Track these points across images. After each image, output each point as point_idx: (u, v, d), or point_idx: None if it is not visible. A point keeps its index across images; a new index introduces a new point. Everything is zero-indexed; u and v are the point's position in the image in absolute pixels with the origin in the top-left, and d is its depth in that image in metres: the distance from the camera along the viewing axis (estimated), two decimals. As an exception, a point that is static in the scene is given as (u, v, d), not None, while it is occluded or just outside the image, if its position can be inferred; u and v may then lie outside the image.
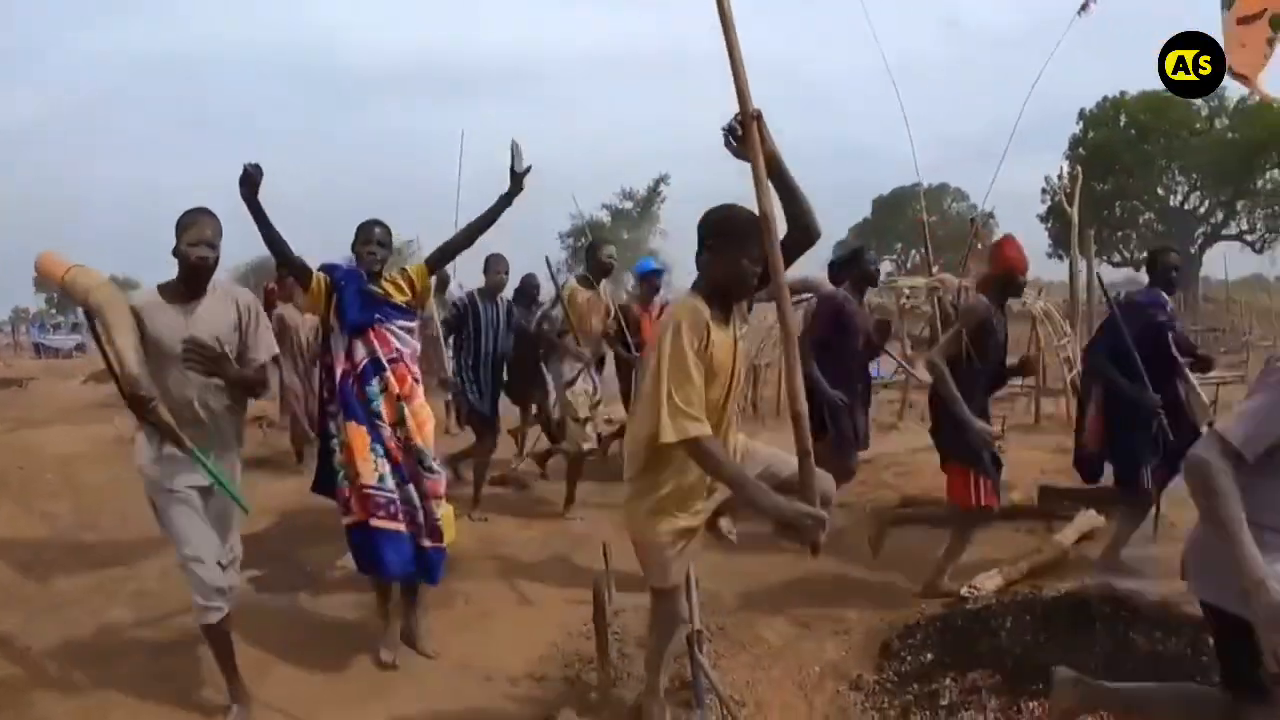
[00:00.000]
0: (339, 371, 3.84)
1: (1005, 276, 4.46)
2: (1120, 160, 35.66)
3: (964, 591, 4.32)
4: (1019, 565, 4.63)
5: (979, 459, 4.31)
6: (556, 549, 5.39)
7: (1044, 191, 33.18)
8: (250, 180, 3.59)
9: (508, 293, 6.60)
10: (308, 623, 4.30)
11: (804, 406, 2.50)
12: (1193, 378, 5.20)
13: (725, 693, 3.15)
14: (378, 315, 3.85)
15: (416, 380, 3.94)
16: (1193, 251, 34.27)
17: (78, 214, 77.57)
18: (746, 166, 2.51)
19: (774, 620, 4.18)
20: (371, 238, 3.88)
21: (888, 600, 4.40)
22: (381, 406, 3.80)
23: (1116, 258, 37.27)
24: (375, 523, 3.72)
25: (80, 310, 3.37)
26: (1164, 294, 4.80)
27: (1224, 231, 37.17)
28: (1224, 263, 32.63)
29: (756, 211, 2.50)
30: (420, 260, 4.21)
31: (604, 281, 6.43)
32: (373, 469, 3.73)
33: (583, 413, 6.05)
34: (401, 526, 3.77)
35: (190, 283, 3.26)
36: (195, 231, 3.19)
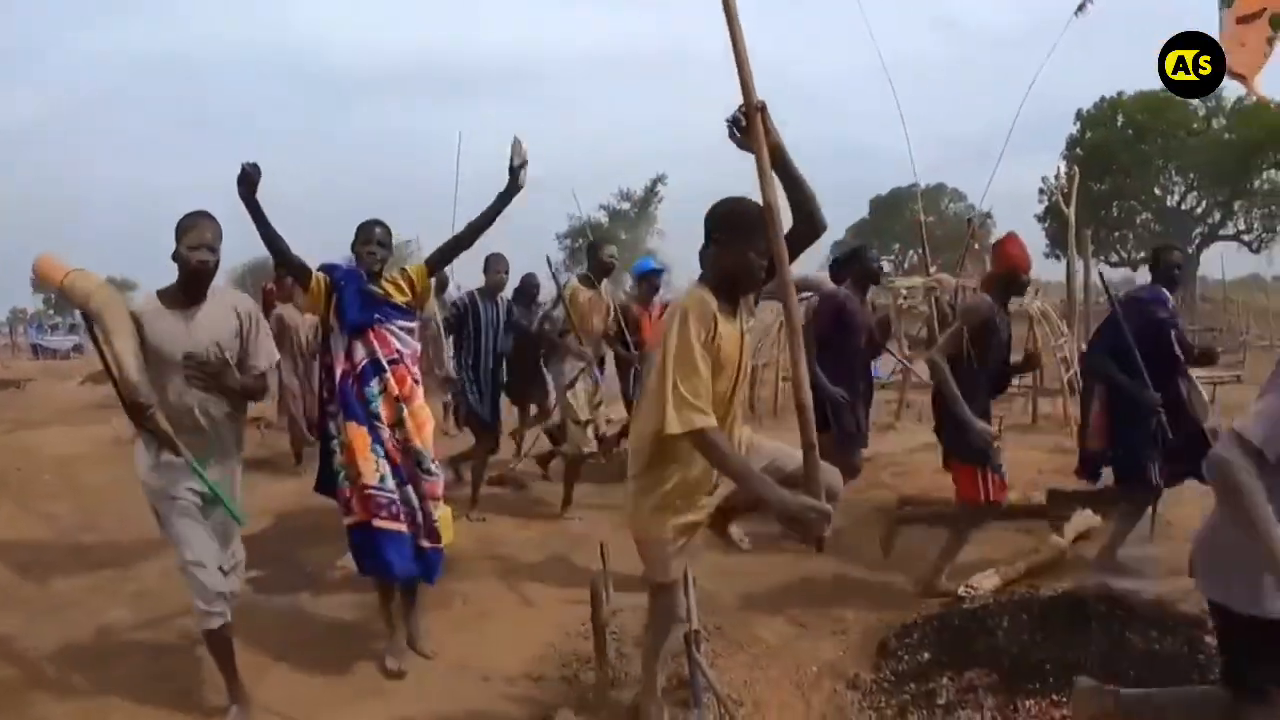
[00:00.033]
0: (338, 372, 3.82)
1: (1008, 274, 4.45)
2: (1117, 160, 35.72)
3: (961, 591, 4.33)
4: (1016, 565, 4.64)
5: (984, 455, 4.30)
6: (554, 549, 5.40)
7: (1041, 192, 33.12)
8: (248, 179, 3.58)
9: (507, 292, 6.62)
10: (307, 623, 4.30)
11: (809, 399, 2.50)
12: (1193, 375, 5.17)
13: (723, 692, 3.15)
14: (378, 316, 3.84)
15: (416, 381, 3.93)
16: (1190, 251, 34.29)
17: (77, 214, 77.67)
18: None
19: (771, 620, 4.19)
20: (372, 238, 3.87)
21: (885, 600, 4.40)
22: (380, 408, 3.79)
23: (1114, 258, 37.33)
24: (378, 523, 3.71)
25: (78, 311, 3.36)
26: (1166, 291, 4.79)
27: (1221, 231, 37.24)
28: (1221, 263, 32.73)
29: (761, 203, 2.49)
30: (419, 260, 4.21)
31: (604, 281, 6.44)
32: (374, 469, 3.72)
33: (583, 415, 6.05)
34: (403, 527, 3.76)
35: (190, 288, 3.24)
36: (195, 235, 3.17)
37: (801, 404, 2.50)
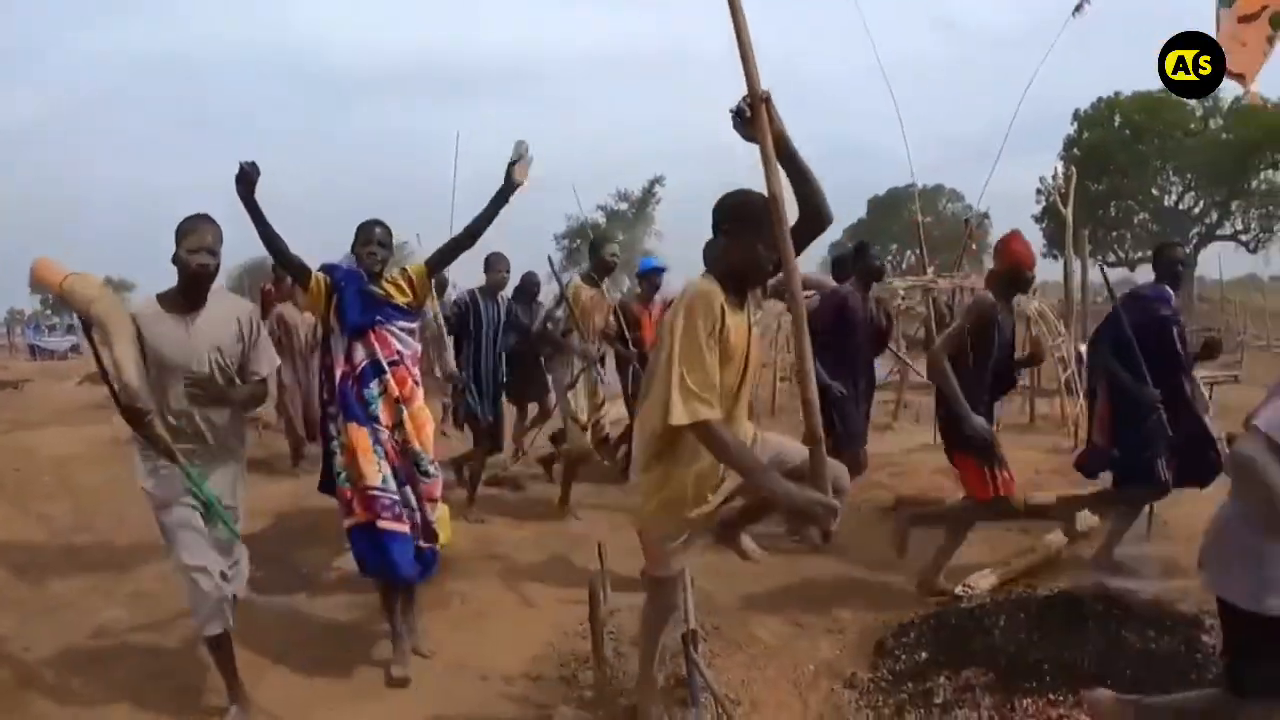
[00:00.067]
0: (338, 373, 3.80)
1: (1012, 271, 4.44)
2: (1115, 160, 35.74)
3: (958, 590, 4.34)
4: (1013, 565, 4.65)
5: (990, 450, 4.29)
6: (552, 549, 5.40)
7: (1039, 192, 33.21)
8: (246, 179, 3.57)
9: (507, 291, 6.62)
10: (304, 624, 4.30)
11: (814, 393, 2.49)
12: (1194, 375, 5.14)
13: (720, 691, 3.15)
14: (379, 317, 3.81)
15: (416, 383, 3.91)
16: (1187, 251, 34.34)
17: (76, 215, 77.71)
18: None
19: (769, 619, 4.19)
20: (372, 238, 3.84)
21: (882, 600, 4.41)
22: (380, 409, 3.77)
23: (1111, 258, 37.34)
24: (382, 524, 3.68)
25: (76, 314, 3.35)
26: (1169, 288, 4.77)
27: (1218, 232, 37.26)
28: (1218, 263, 32.77)
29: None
30: (418, 260, 4.19)
31: (606, 279, 6.44)
32: (376, 470, 3.69)
33: (583, 415, 6.05)
34: (406, 528, 3.74)
35: (190, 291, 3.22)
36: (195, 238, 3.14)
37: (808, 398, 2.48)
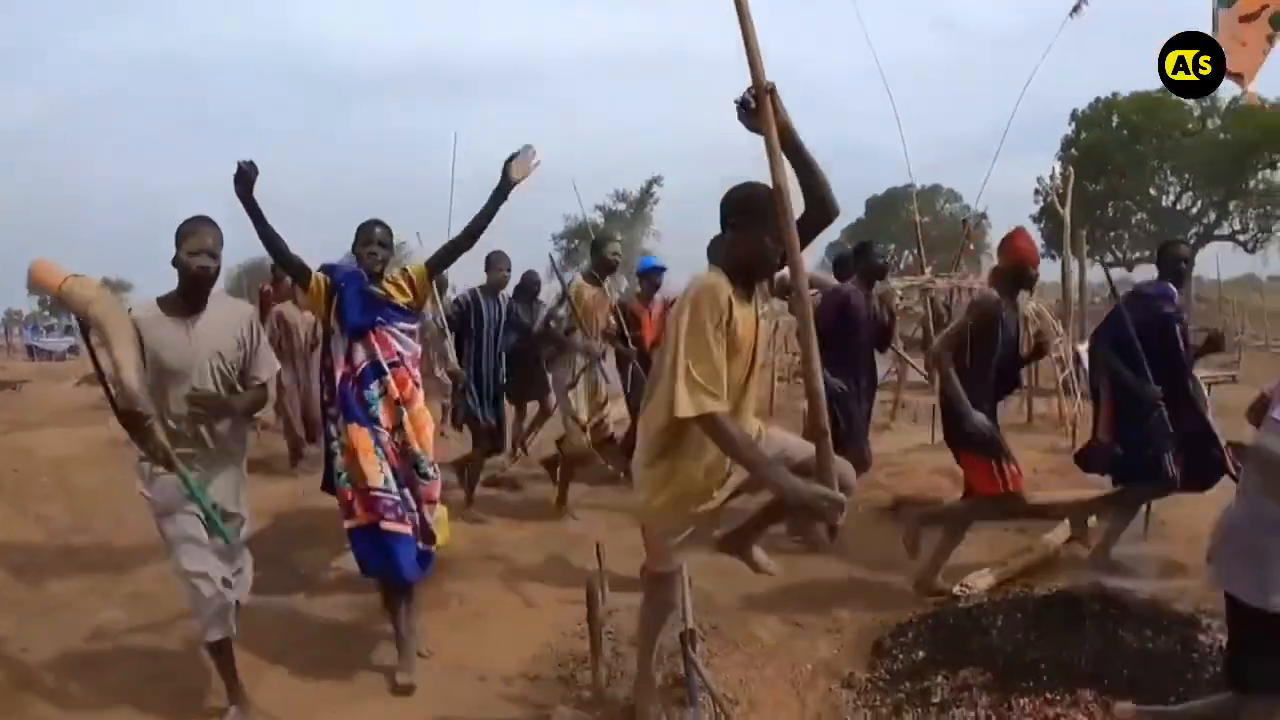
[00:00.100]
0: (338, 374, 3.79)
1: (1017, 269, 4.43)
2: (1112, 161, 35.78)
3: (956, 590, 4.34)
4: (1010, 564, 4.65)
5: (995, 445, 4.28)
6: (550, 549, 5.40)
7: (1037, 192, 33.26)
8: (245, 178, 3.56)
9: (508, 290, 6.62)
10: (303, 624, 4.30)
11: (820, 385, 2.48)
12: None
13: (718, 691, 3.16)
14: (379, 318, 3.80)
15: (417, 384, 3.89)
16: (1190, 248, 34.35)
17: (76, 215, 77.47)
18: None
19: (767, 619, 4.19)
20: (372, 238, 3.83)
21: (880, 599, 4.41)
22: (380, 411, 3.75)
23: (1109, 258, 37.38)
24: (386, 526, 3.66)
25: (74, 316, 3.31)
26: (1172, 286, 4.75)
27: (1216, 232, 37.29)
28: (1216, 263, 32.74)
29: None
30: (417, 260, 4.17)
31: (608, 278, 6.44)
32: (378, 471, 3.67)
33: (583, 414, 6.04)
34: (409, 529, 3.73)
35: (190, 294, 3.19)
36: (196, 240, 3.12)
37: (814, 391, 2.47)
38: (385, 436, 3.75)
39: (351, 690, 3.65)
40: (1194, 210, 37.78)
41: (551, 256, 6.74)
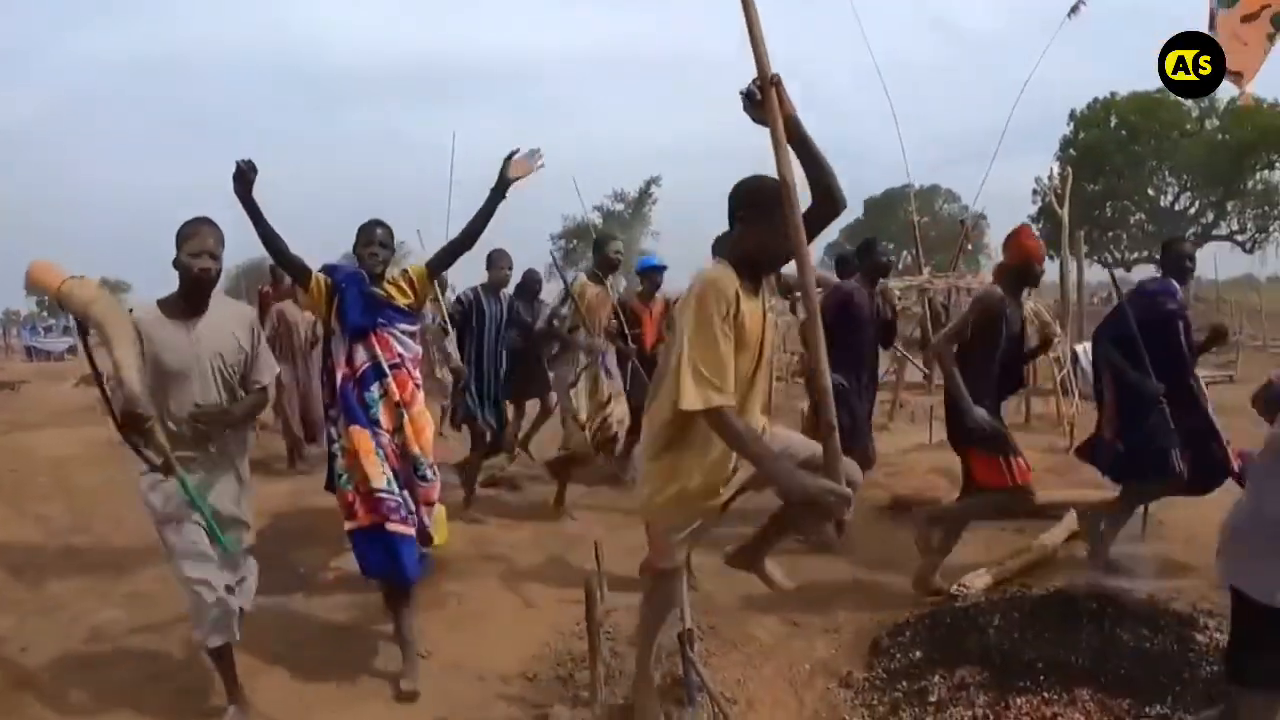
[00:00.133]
0: (339, 376, 3.77)
1: (1022, 266, 4.41)
2: (1111, 161, 35.86)
3: (954, 590, 4.34)
4: (1008, 564, 4.66)
5: (1000, 439, 4.27)
6: (548, 549, 5.40)
7: (1035, 192, 33.32)
8: (244, 177, 3.54)
9: (509, 288, 6.63)
10: (302, 624, 4.30)
11: (828, 383, 2.47)
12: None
13: (716, 690, 3.16)
14: (380, 319, 3.79)
15: (418, 386, 3.88)
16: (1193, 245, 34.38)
17: (74, 216, 77.63)
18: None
19: (765, 619, 4.20)
20: (373, 239, 3.81)
21: (878, 599, 4.42)
22: (380, 412, 3.74)
23: (1107, 258, 37.45)
24: (391, 527, 3.65)
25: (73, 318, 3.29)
26: (1175, 283, 4.73)
27: (1214, 232, 37.39)
28: (1214, 263, 32.85)
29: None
30: (417, 260, 4.16)
31: (610, 276, 6.45)
32: (380, 472, 3.66)
33: (584, 414, 6.05)
34: (411, 530, 3.72)
35: (192, 296, 3.18)
36: (197, 242, 3.10)
37: (821, 387, 2.46)
38: (386, 438, 3.74)
39: (350, 691, 3.65)
40: (1192, 210, 37.87)
41: (553, 255, 6.74)
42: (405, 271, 3.97)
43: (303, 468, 7.62)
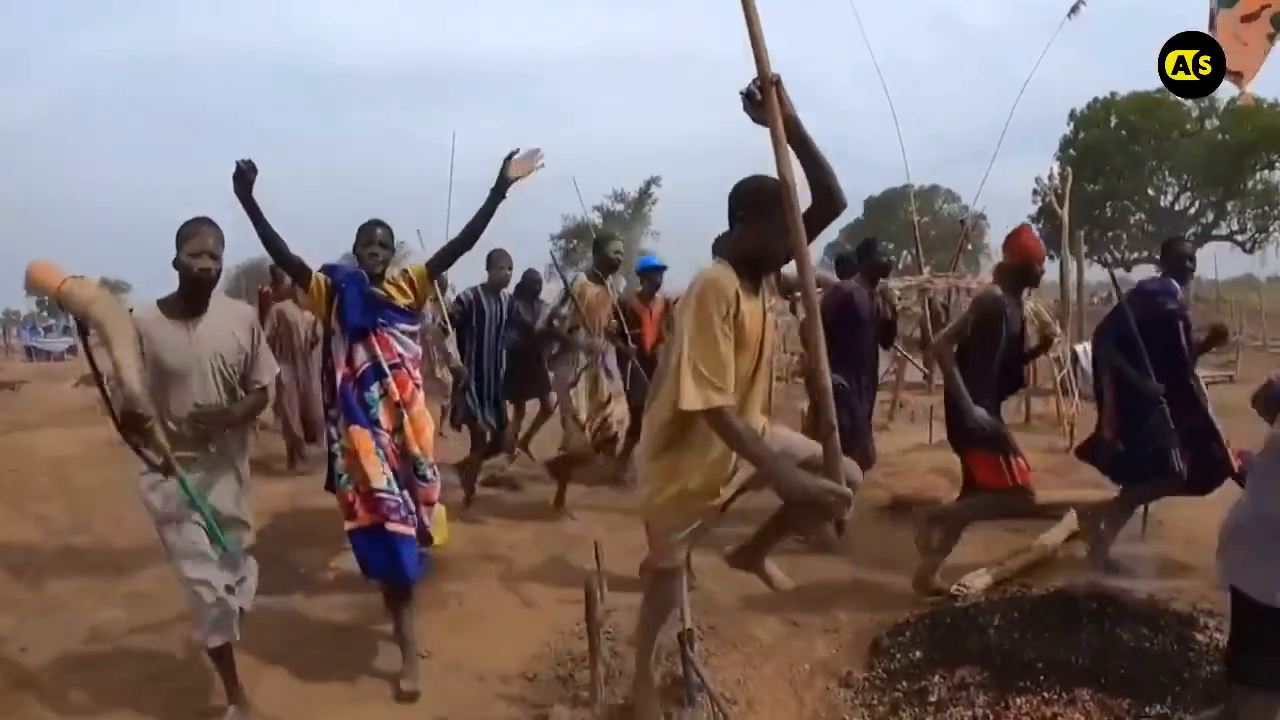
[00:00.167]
0: (339, 376, 3.77)
1: (1023, 266, 4.40)
2: (1111, 161, 35.88)
3: (953, 590, 4.34)
4: (1007, 564, 4.66)
5: (1000, 439, 4.27)
6: (548, 549, 5.40)
7: (1035, 192, 33.33)
8: (244, 177, 3.54)
9: (509, 288, 6.63)
10: (301, 624, 4.30)
11: (828, 380, 2.47)
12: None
13: (716, 690, 3.16)
14: (380, 319, 3.78)
15: (418, 386, 3.88)
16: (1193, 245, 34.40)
17: (73, 216, 77.57)
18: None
19: (765, 619, 4.20)
20: (373, 239, 3.81)
21: (878, 599, 4.42)
22: (380, 413, 3.73)
23: (1107, 258, 37.45)
24: (392, 527, 3.64)
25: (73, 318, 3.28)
26: (1175, 283, 4.73)
27: (1214, 232, 37.40)
28: (1214, 263, 32.91)
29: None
30: (417, 260, 4.16)
31: (610, 276, 6.45)
32: (381, 472, 3.66)
33: (584, 414, 6.05)
34: (411, 530, 3.72)
35: (192, 296, 3.18)
36: (197, 242, 3.10)
37: (821, 387, 2.46)
38: (386, 438, 3.74)
39: (350, 691, 3.65)
40: (1192, 210, 37.89)
41: (553, 255, 6.74)
42: (405, 271, 3.96)
43: (303, 468, 7.62)
